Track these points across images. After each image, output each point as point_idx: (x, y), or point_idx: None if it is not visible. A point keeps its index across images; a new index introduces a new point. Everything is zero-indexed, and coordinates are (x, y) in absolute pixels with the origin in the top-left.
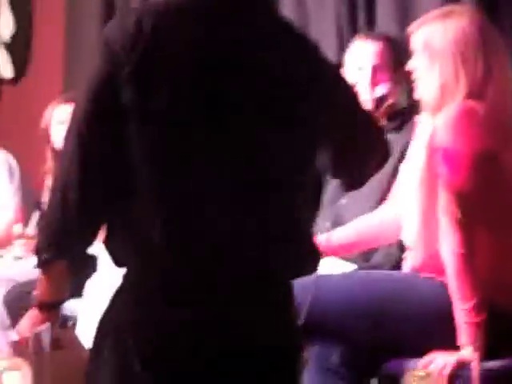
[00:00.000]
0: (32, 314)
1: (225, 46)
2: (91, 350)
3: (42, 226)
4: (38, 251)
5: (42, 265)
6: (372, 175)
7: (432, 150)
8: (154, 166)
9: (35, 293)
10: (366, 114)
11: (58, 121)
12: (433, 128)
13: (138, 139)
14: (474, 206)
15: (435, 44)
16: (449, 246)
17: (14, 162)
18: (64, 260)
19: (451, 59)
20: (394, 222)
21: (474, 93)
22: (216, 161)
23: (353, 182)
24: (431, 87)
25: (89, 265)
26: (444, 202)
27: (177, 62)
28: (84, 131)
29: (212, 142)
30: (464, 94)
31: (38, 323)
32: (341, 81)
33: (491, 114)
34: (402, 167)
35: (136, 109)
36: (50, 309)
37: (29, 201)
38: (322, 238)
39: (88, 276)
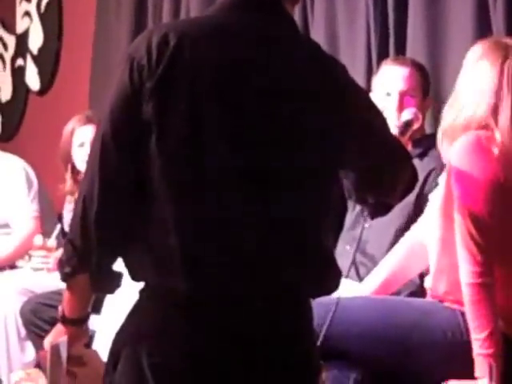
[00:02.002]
0: (57, 329)
1: (248, 65)
2: (107, 363)
3: (65, 240)
4: (60, 265)
5: (64, 278)
6: (399, 202)
7: (449, 175)
8: (172, 180)
9: (60, 308)
10: (395, 140)
11: (79, 143)
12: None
13: (157, 154)
14: (487, 233)
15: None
16: (465, 276)
17: (31, 171)
18: (85, 274)
19: (494, 92)
20: (422, 249)
21: (499, 126)
22: (235, 177)
23: (378, 208)
24: (475, 108)
25: (113, 281)
26: (459, 231)
27: (197, 79)
28: (106, 149)
29: (231, 159)
30: (491, 125)
31: (60, 337)
32: (369, 105)
33: (507, 151)
34: (431, 196)
35: (155, 123)
36: (73, 324)
37: (49, 212)
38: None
39: (111, 292)
